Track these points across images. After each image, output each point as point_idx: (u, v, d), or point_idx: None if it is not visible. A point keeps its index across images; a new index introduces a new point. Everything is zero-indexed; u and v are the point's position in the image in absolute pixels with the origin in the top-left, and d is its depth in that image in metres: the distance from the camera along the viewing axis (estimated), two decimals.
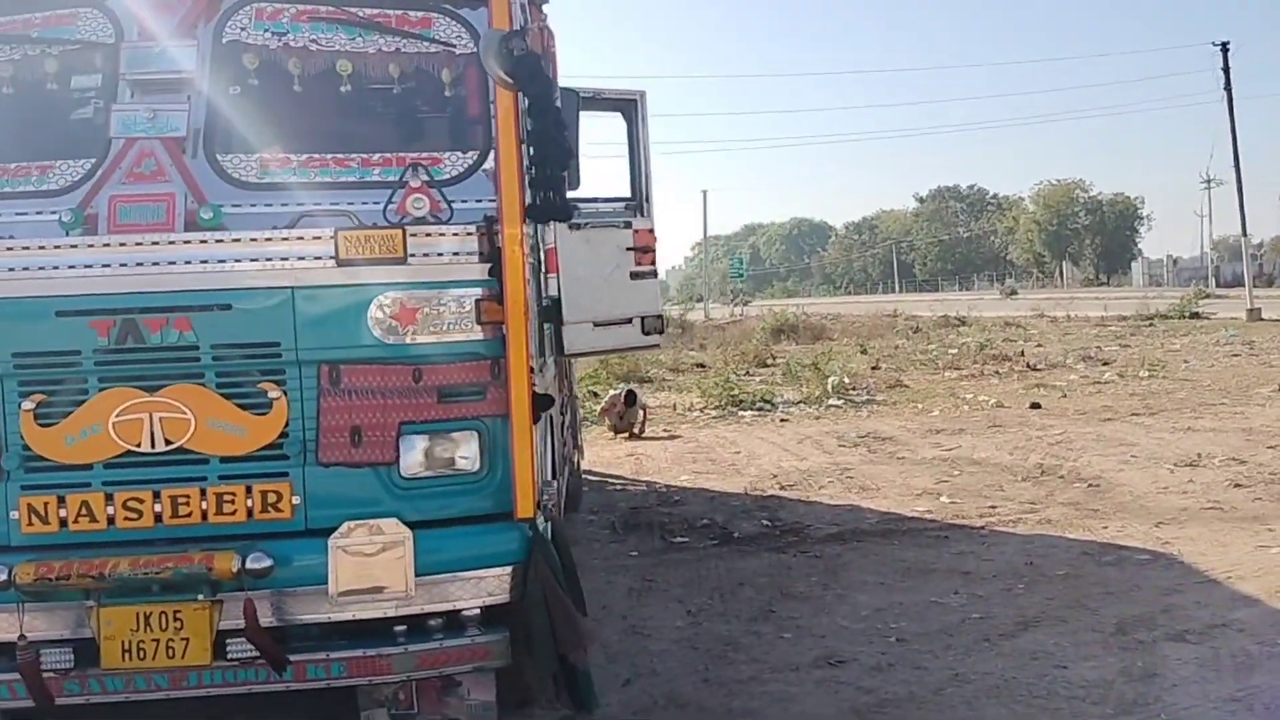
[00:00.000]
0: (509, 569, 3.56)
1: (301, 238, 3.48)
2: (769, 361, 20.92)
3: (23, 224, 3.49)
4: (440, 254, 3.55)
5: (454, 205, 3.59)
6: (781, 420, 13.54)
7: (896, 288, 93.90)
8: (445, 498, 3.58)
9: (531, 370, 3.57)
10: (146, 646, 3.34)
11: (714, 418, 14.08)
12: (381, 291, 3.49)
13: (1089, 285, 71.98)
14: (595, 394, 15.10)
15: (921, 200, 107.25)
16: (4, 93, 3.74)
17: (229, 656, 3.39)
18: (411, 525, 3.46)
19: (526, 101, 3.61)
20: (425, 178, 3.60)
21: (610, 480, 9.94)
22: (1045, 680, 4.57)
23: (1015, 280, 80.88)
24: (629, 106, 5.01)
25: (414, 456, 3.56)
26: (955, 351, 21.32)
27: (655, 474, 10.12)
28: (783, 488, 9.11)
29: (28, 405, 3.40)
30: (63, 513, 3.41)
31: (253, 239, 3.45)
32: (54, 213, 3.48)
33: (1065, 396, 14.23)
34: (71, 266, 3.41)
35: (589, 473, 9.80)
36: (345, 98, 3.83)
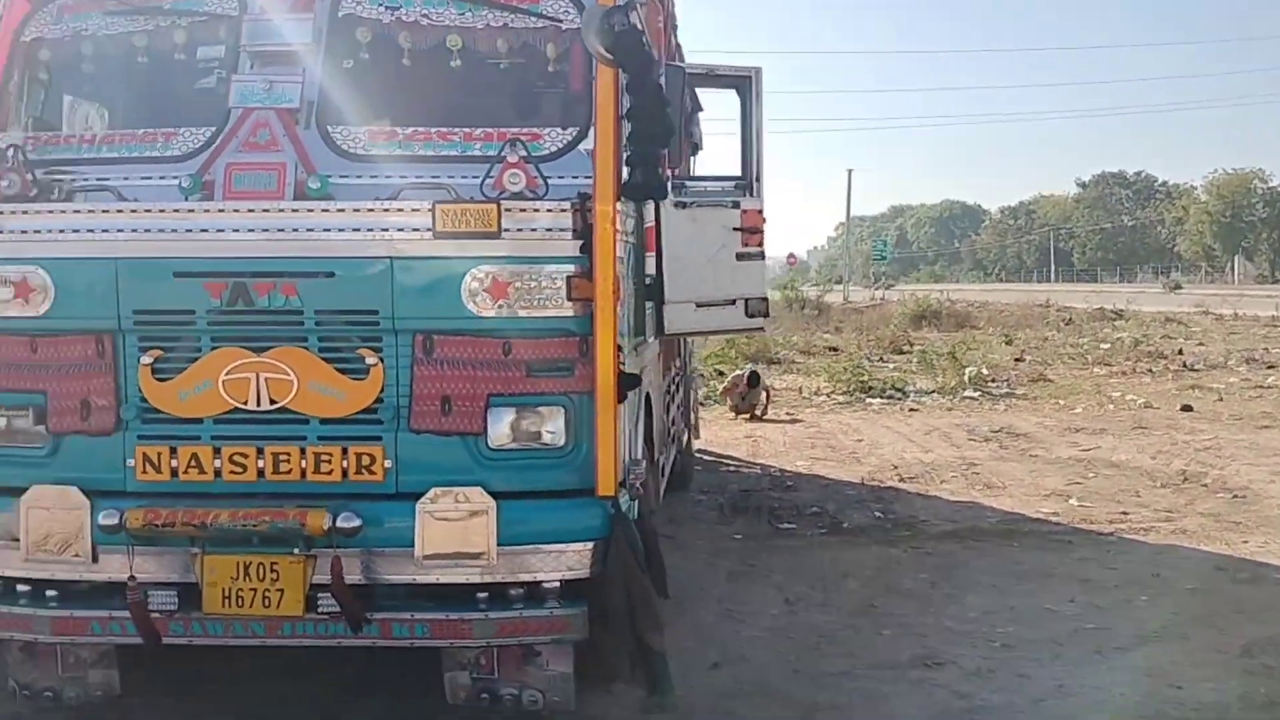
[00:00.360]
0: (589, 545, 3.58)
1: (401, 209, 3.56)
2: (905, 348, 20.39)
3: (147, 188, 3.69)
4: (534, 229, 3.57)
5: (550, 181, 3.60)
6: (911, 410, 13.19)
7: (1052, 276, 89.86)
8: (530, 471, 3.62)
9: (620, 349, 3.56)
10: (245, 594, 3.51)
11: (840, 404, 13.83)
12: (475, 265, 3.54)
13: (1263, 282, 67.18)
14: (721, 373, 15.04)
15: (1083, 185, 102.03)
16: (137, 62, 3.95)
17: (320, 610, 3.53)
18: (496, 495, 3.51)
19: (627, 78, 3.59)
20: (523, 153, 3.62)
21: (724, 461, 9.90)
22: (1156, 699, 4.32)
23: (1181, 274, 76.21)
24: (743, 83, 4.92)
25: (501, 428, 3.61)
26: (1107, 346, 20.28)
27: (771, 457, 10.02)
28: (902, 480, 8.87)
29: (146, 360, 3.60)
30: (174, 463, 3.60)
31: (356, 209, 3.55)
32: (175, 178, 3.65)
33: (1221, 400, 13.35)
34: (189, 230, 3.58)
35: (703, 452, 9.77)
36: (452, 72, 3.89)
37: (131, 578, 3.49)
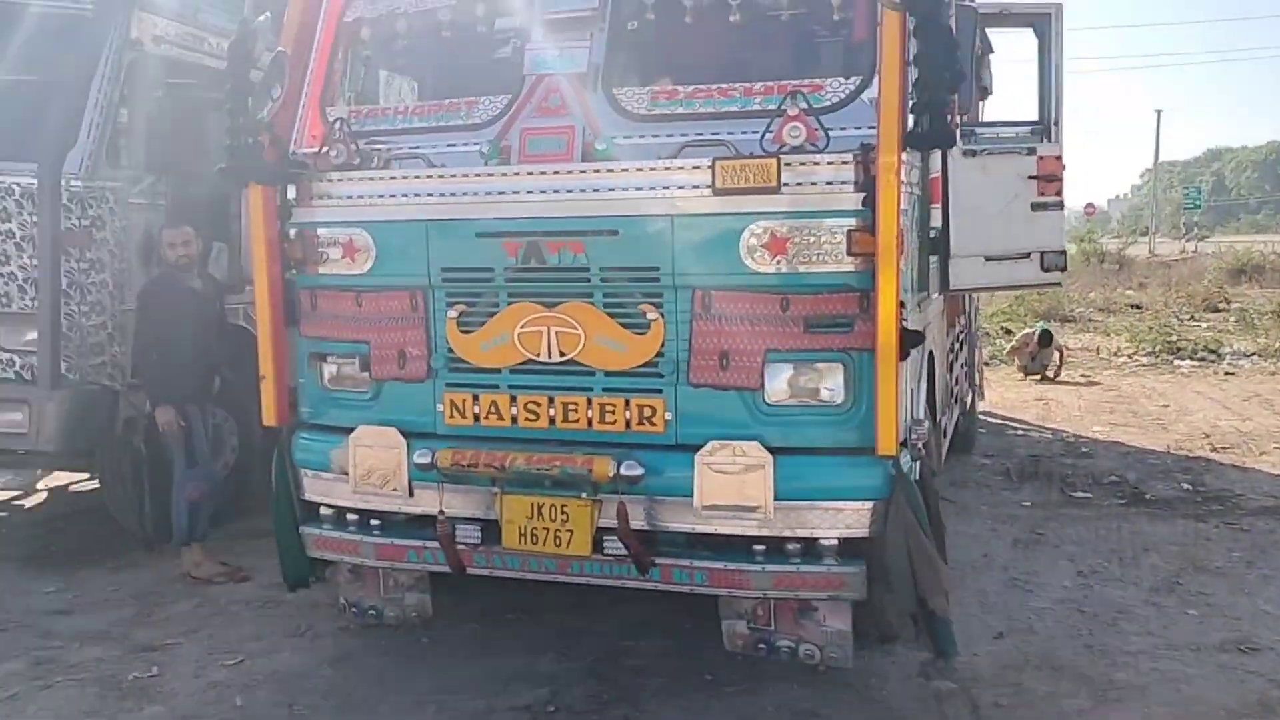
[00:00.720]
0: (869, 504, 3.53)
1: (682, 167, 3.61)
2: (1221, 306, 18.44)
3: (452, 154, 3.96)
4: (814, 183, 3.52)
5: (830, 133, 3.53)
6: (1227, 374, 11.95)
7: None
8: (807, 427, 3.61)
9: (902, 305, 3.46)
10: (539, 533, 3.75)
11: (1144, 365, 12.75)
12: (754, 220, 3.54)
13: None
14: (1008, 331, 14.27)
15: None
16: (442, 36, 4.24)
17: (605, 552, 3.71)
18: (773, 450, 3.53)
19: (914, 22, 3.44)
20: (804, 105, 3.56)
21: (1012, 424, 9.41)
22: None
23: None
24: (1042, 21, 4.59)
25: (778, 384, 3.61)
26: None
27: (1063, 421, 9.41)
28: (1214, 449, 8.08)
29: (452, 314, 3.90)
30: (476, 409, 3.89)
31: (639, 169, 3.64)
32: (476, 144, 3.90)
33: None
34: (488, 193, 3.82)
35: (988, 414, 9.34)
36: (732, 28, 3.89)
37: (441, 512, 3.83)
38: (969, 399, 7.56)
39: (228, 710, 3.86)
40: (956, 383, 6.40)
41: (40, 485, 7.16)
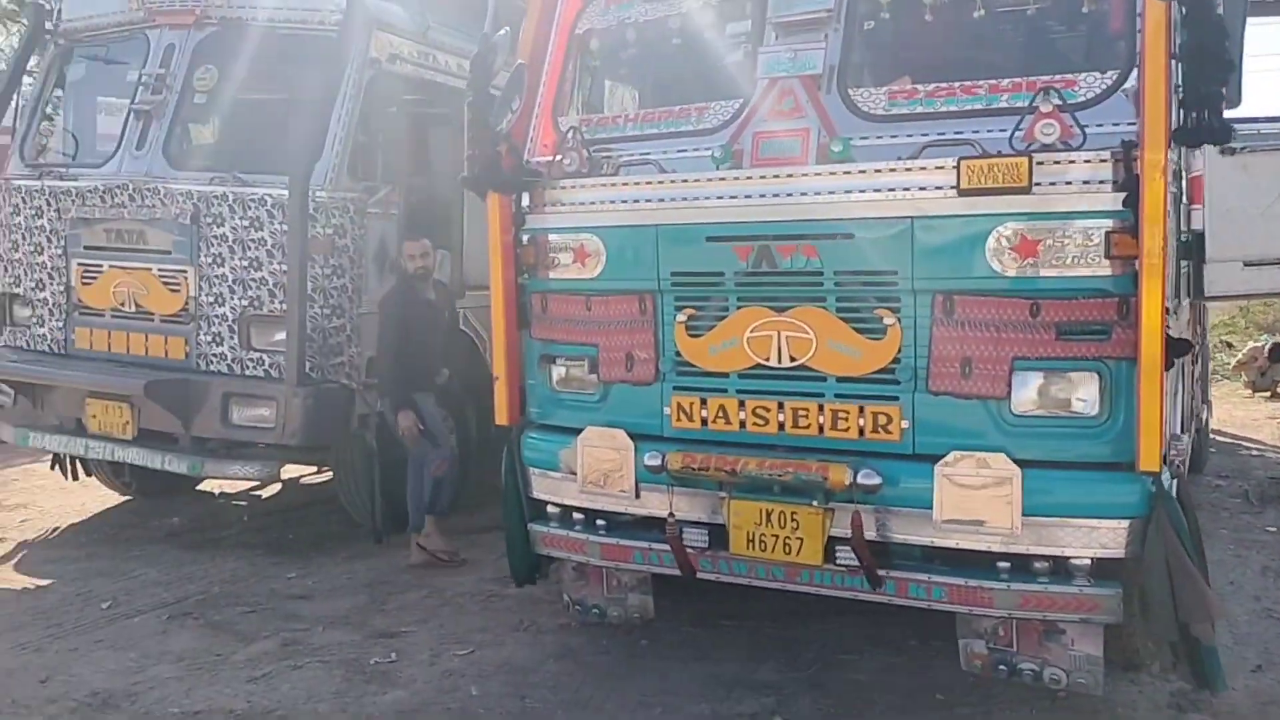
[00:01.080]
0: (1126, 523, 3.31)
1: (924, 168, 3.50)
2: None
3: (683, 159, 3.98)
4: (1069, 182, 3.34)
5: (1086, 130, 3.34)
6: None
7: None
8: (1058, 439, 3.42)
9: (1166, 311, 3.24)
10: (767, 540, 3.71)
11: None
12: (1002, 222, 3.40)
13: None
14: (1229, 345, 13.26)
15: None
16: (672, 43, 4.28)
17: (837, 562, 3.64)
18: (1020, 463, 3.37)
19: (1183, 10, 3.22)
20: (1057, 101, 3.40)
21: (1244, 444, 8.72)
22: None
23: None
24: None
25: (1026, 393, 3.44)
26: None
27: None
28: None
29: (681, 318, 3.92)
30: (704, 413, 3.89)
31: (877, 170, 3.56)
32: (707, 149, 3.91)
33: None
34: (719, 197, 3.82)
35: (1217, 433, 8.68)
36: (975, 24, 3.75)
37: (671, 515, 3.84)
38: (1203, 415, 7.05)
39: (464, 699, 4.01)
40: (1194, 397, 5.98)
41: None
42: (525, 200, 4.33)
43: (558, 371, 4.28)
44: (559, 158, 4.19)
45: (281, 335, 5.51)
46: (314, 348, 5.53)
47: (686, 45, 4.28)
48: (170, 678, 4.22)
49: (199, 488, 7.34)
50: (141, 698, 4.04)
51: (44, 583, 5.46)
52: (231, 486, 7.37)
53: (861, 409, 3.64)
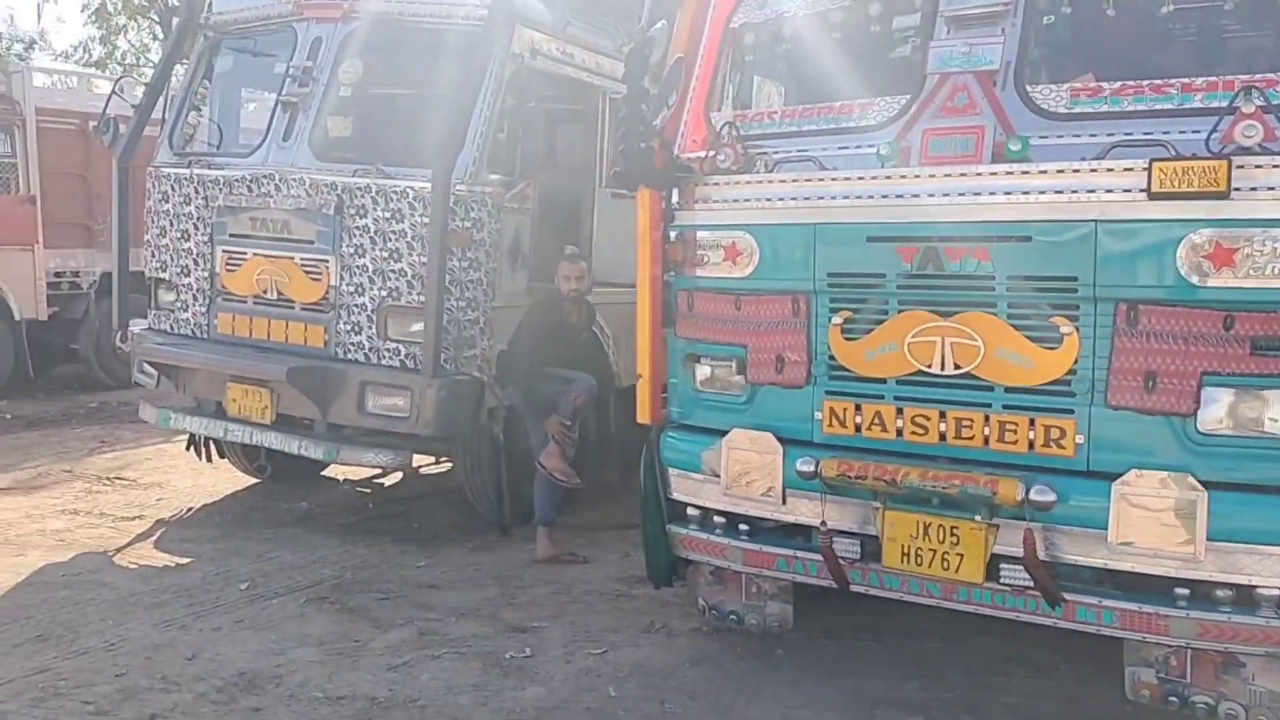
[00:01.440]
0: None
1: (1111, 169, 3.32)
2: None
3: (843, 157, 3.87)
4: (1271, 188, 3.13)
5: None
6: None
7: None
8: (1249, 461, 3.21)
9: None
10: (924, 554, 3.58)
11: None
12: (1195, 228, 3.20)
13: None
14: None
15: None
16: (832, 37, 4.17)
17: (1001, 581, 3.48)
18: (1205, 485, 3.18)
19: None
20: (1260, 102, 3.18)
21: None
22: None
23: None
24: None
25: (1215, 411, 3.23)
26: None
27: None
28: None
29: (836, 320, 3.80)
30: (858, 419, 3.77)
31: (1059, 170, 3.39)
32: (871, 146, 3.79)
33: None
34: (884, 196, 3.70)
35: None
36: (1164, 19, 3.57)
37: (823, 523, 3.73)
38: None
39: (602, 699, 3.96)
40: None
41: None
42: (675, 197, 4.26)
43: (702, 371, 4.20)
44: (712, 153, 4.11)
45: (418, 326, 5.56)
46: (449, 340, 5.57)
47: (846, 39, 4.17)
48: (312, 661, 4.27)
49: (323, 473, 7.49)
50: (285, 680, 4.09)
51: (183, 560, 5.60)
52: (355, 473, 7.50)
53: (1032, 421, 3.48)
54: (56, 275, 11.35)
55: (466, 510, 6.33)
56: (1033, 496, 3.32)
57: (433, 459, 7.53)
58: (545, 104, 6.32)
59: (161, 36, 22.09)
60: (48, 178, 11.18)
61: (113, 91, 7.32)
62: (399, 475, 7.51)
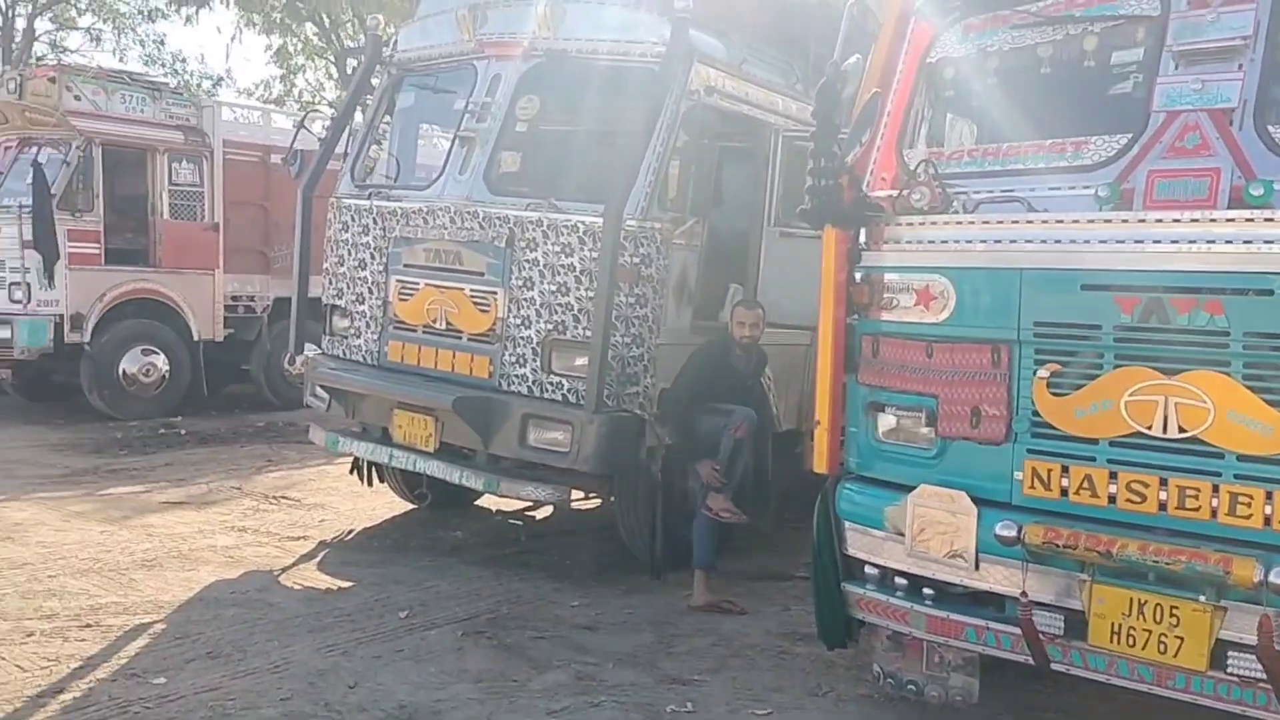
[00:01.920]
0: None
1: None
2: None
3: (1056, 198, 3.60)
4: None
5: None
6: None
7: None
8: None
9: None
10: (1137, 634, 3.25)
11: None
12: None
13: None
14: None
15: None
16: (1042, 72, 3.91)
17: (1228, 670, 3.13)
18: None
19: None
20: None
21: None
22: None
23: None
24: None
25: None
26: None
27: None
28: None
29: (1042, 373, 3.52)
30: (1064, 482, 3.47)
31: None
32: (1088, 187, 3.51)
33: None
34: (1103, 241, 3.42)
35: None
36: None
37: (1023, 593, 3.45)
38: None
39: None
40: None
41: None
42: (862, 236, 4.07)
43: (886, 421, 3.97)
44: (905, 192, 3.90)
45: (582, 360, 5.50)
46: (612, 376, 5.49)
47: (1059, 75, 3.91)
48: (471, 698, 4.20)
49: (475, 502, 7.52)
50: (444, 716, 4.03)
51: (345, 584, 5.67)
52: (506, 504, 7.50)
53: (1269, 494, 3.12)
54: (233, 299, 11.94)
55: (618, 548, 6.21)
56: (1273, 579, 2.96)
57: (584, 495, 7.47)
58: (717, 141, 6.24)
59: (336, 75, 23.15)
60: (230, 206, 11.81)
61: (300, 125, 7.62)
62: (549, 508, 7.47)
